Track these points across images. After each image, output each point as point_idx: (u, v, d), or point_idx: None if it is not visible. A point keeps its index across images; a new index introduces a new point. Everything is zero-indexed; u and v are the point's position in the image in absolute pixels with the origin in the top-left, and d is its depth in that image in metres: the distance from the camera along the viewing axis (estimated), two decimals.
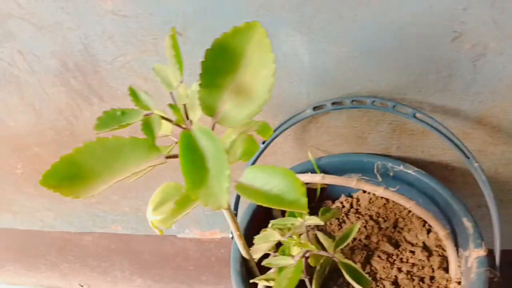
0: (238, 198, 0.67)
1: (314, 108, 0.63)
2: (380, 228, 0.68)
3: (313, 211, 0.67)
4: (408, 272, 0.63)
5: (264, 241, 0.49)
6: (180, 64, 0.41)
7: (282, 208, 0.42)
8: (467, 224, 0.58)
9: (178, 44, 0.40)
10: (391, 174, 0.67)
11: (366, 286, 0.46)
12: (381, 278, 0.63)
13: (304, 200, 0.41)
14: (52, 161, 0.90)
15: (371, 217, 0.69)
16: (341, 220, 0.70)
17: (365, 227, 0.68)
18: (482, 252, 0.55)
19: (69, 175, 0.43)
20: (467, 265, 0.58)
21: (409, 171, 0.65)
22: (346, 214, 0.70)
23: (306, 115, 0.63)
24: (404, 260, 0.64)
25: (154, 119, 0.42)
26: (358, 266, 0.47)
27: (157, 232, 0.98)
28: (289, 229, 0.48)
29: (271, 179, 0.43)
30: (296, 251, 0.47)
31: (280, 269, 0.47)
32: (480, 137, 0.64)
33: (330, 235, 0.66)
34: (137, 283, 1.18)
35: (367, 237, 0.67)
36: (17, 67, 0.68)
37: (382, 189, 0.62)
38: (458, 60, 0.55)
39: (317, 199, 0.72)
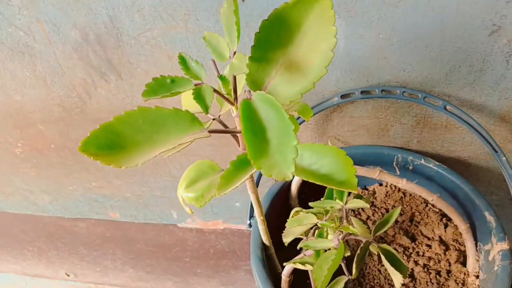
0: (256, 183, 0.66)
1: (342, 96, 0.62)
2: (396, 222, 0.67)
3: None
4: (424, 266, 0.63)
5: (299, 224, 0.48)
6: (238, 32, 0.39)
7: (332, 187, 0.41)
8: (490, 218, 0.58)
9: (238, 10, 0.39)
10: (410, 167, 0.67)
11: (404, 272, 0.46)
12: None
13: (355, 180, 0.40)
14: (57, 141, 0.87)
15: (387, 210, 0.69)
16: (356, 213, 0.70)
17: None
18: (505, 245, 0.56)
19: (108, 144, 0.41)
20: (488, 259, 0.59)
21: (429, 165, 0.65)
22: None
23: (333, 103, 0.63)
24: (421, 253, 0.64)
25: (205, 89, 0.41)
26: (396, 252, 0.47)
27: (156, 221, 0.96)
28: (326, 212, 0.47)
29: (320, 158, 0.42)
30: (333, 234, 0.46)
31: (317, 252, 0.46)
32: (501, 133, 0.65)
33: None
34: (127, 274, 1.15)
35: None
36: (33, 37, 0.65)
37: (405, 181, 0.62)
38: (492, 55, 0.56)
39: None
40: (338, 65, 0.60)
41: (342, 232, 0.45)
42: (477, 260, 0.60)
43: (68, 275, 1.22)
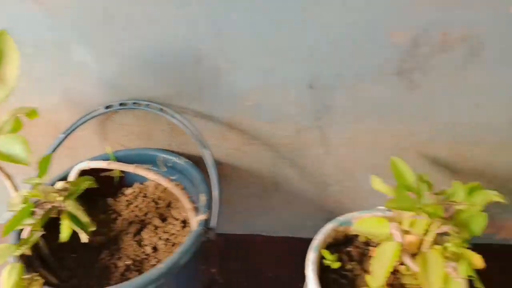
0: None
1: (106, 107, 0.81)
2: (157, 208, 0.86)
3: (112, 195, 0.85)
4: (166, 239, 0.80)
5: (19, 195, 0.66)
6: None
7: (12, 163, 0.59)
8: (202, 198, 0.77)
9: None
10: (170, 165, 0.86)
11: (86, 230, 0.64)
12: (145, 244, 0.80)
13: (27, 159, 0.58)
14: None
15: (153, 199, 0.87)
16: (129, 202, 0.87)
17: (146, 206, 0.86)
18: (203, 217, 0.74)
19: None
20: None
21: (181, 162, 0.84)
22: (136, 197, 0.88)
23: (99, 113, 0.81)
24: (167, 231, 0.82)
25: None
26: (80, 214, 0.65)
27: None
28: (37, 184, 0.65)
29: (14, 145, 0.59)
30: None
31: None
32: (237, 139, 0.84)
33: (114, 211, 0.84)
34: None
35: (145, 214, 0.85)
36: None
37: (152, 173, 0.80)
38: (203, 78, 0.76)
39: (117, 185, 0.89)
40: (97, 83, 0.79)
41: (39, 200, 0.63)
42: None
43: None
